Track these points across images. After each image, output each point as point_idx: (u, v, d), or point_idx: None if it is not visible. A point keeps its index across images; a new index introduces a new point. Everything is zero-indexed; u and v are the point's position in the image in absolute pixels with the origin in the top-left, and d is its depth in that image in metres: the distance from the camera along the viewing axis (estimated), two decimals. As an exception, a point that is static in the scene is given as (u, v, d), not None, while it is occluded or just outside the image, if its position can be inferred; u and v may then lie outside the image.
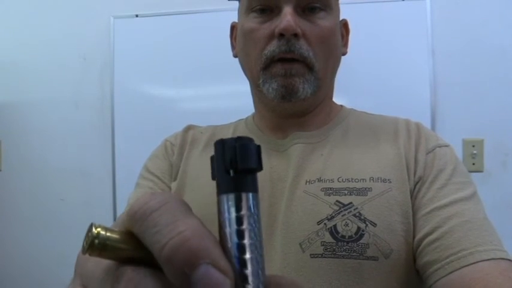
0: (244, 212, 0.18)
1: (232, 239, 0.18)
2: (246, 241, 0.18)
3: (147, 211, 0.18)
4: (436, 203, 0.53)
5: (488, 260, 0.47)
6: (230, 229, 0.18)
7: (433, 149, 0.59)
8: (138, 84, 1.64)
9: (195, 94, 1.62)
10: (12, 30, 1.75)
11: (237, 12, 0.67)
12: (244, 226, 0.18)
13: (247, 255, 0.18)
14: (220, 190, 0.19)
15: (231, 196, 0.19)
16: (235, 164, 0.19)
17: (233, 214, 0.18)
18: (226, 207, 0.19)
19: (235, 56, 0.68)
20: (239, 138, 0.19)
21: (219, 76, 1.57)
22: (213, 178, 0.20)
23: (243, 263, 0.18)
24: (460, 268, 0.48)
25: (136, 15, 1.65)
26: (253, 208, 0.19)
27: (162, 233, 0.17)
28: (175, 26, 1.62)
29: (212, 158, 0.20)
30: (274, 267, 0.53)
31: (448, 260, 0.49)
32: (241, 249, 0.18)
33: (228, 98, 1.57)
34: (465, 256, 0.48)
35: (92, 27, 1.68)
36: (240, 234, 0.18)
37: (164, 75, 1.62)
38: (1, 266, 1.74)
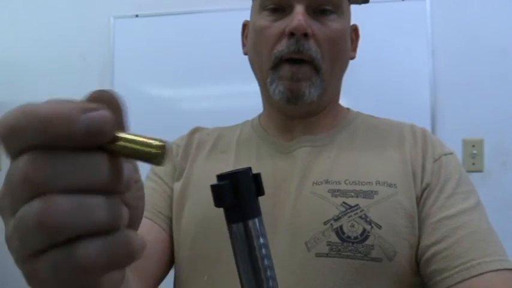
0: (254, 233, 0.24)
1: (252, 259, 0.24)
2: (263, 254, 0.24)
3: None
4: (444, 211, 0.55)
5: (494, 271, 0.49)
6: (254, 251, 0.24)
7: (439, 157, 0.59)
8: (138, 84, 1.64)
9: (195, 94, 1.62)
10: (12, 30, 1.75)
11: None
12: (259, 244, 0.24)
13: (266, 266, 0.24)
14: (232, 219, 0.24)
15: (241, 224, 0.23)
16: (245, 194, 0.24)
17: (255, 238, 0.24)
18: (238, 233, 0.24)
19: (245, 53, 0.69)
20: (237, 173, 0.24)
21: (219, 76, 1.56)
22: (218, 206, 0.24)
23: (264, 273, 0.24)
24: (469, 278, 0.49)
25: (137, 15, 1.65)
26: (261, 229, 0.24)
27: None
28: (175, 26, 1.62)
29: (214, 189, 0.24)
30: (278, 265, 0.54)
31: (457, 269, 0.50)
32: (262, 265, 0.24)
33: (228, 98, 1.57)
34: (474, 266, 0.50)
35: (92, 27, 1.68)
36: (256, 254, 0.24)
37: (164, 75, 1.62)
38: (1, 266, 1.74)
